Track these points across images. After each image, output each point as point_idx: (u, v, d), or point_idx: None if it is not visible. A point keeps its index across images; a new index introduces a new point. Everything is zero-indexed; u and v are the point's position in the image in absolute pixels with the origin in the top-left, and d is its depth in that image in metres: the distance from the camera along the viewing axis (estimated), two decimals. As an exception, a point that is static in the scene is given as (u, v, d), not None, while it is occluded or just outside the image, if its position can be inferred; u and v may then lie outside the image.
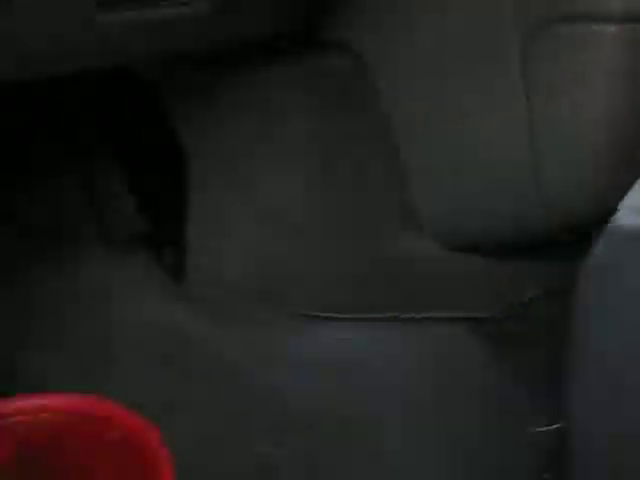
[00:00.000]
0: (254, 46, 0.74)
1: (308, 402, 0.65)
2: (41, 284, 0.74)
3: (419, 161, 0.78)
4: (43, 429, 0.38)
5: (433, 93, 0.75)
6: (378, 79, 0.75)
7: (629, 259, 0.45)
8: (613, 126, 0.71)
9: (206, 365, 0.71)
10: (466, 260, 0.78)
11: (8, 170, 0.73)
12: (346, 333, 0.70)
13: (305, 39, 0.74)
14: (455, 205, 0.78)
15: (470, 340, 0.72)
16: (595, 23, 0.68)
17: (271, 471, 0.59)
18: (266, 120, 0.76)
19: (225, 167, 0.78)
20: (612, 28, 0.68)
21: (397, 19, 0.74)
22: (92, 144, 0.81)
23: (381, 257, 0.75)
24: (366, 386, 0.66)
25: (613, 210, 0.47)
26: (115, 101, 0.83)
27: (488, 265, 0.79)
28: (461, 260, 0.78)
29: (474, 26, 0.72)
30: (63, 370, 0.68)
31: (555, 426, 0.63)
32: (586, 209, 0.72)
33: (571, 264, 0.49)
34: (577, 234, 0.65)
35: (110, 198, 0.81)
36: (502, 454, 0.65)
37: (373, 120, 0.76)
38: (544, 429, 0.64)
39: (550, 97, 0.71)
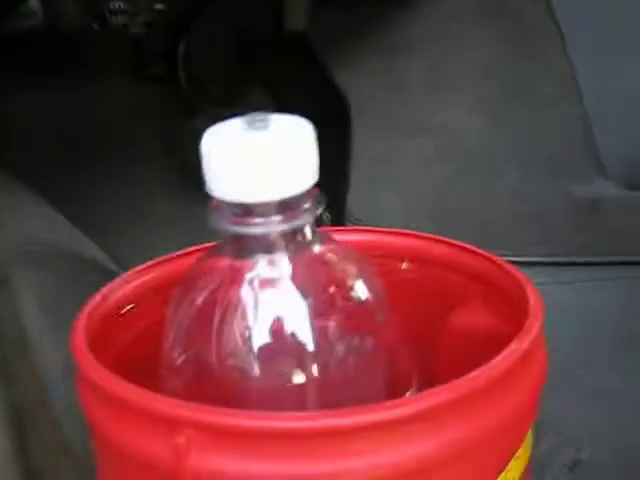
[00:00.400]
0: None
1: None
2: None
3: (599, 102, 0.72)
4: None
5: (612, 19, 0.70)
6: (555, 11, 0.71)
7: None
8: None
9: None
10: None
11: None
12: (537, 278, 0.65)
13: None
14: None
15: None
16: None
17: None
18: (438, 53, 0.72)
19: (392, 109, 0.75)
20: None
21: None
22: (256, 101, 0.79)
23: (571, 200, 0.70)
24: (573, 329, 0.61)
25: None
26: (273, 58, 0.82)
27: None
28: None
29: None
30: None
31: None
32: None
33: None
34: None
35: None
36: None
37: (551, 54, 0.71)
38: None
39: None
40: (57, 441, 0.41)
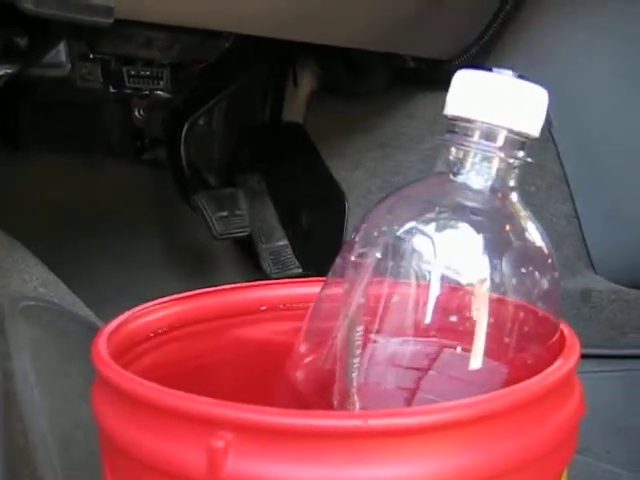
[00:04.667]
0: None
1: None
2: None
3: (587, 199, 0.75)
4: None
5: (600, 126, 0.74)
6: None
7: None
8: None
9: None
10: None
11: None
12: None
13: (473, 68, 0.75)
14: (630, 249, 0.75)
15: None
16: None
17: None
18: (431, 149, 0.75)
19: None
20: None
21: (563, 51, 0.75)
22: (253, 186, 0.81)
23: (562, 292, 0.70)
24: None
25: None
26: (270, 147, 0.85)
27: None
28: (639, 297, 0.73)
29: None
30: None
31: None
32: None
33: None
34: None
35: (266, 236, 0.79)
36: None
37: (544, 156, 0.74)
38: None
39: None
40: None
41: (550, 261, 0.30)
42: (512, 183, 0.30)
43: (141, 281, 0.73)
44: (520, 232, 0.30)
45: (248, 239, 0.79)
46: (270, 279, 0.79)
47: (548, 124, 0.75)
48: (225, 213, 0.72)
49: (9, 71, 0.39)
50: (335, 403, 0.28)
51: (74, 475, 0.40)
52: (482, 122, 0.28)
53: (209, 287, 0.83)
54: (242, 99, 0.82)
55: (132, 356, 0.30)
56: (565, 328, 0.29)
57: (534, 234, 0.30)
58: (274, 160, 0.83)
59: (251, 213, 0.79)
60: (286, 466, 0.21)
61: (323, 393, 0.29)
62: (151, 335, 0.31)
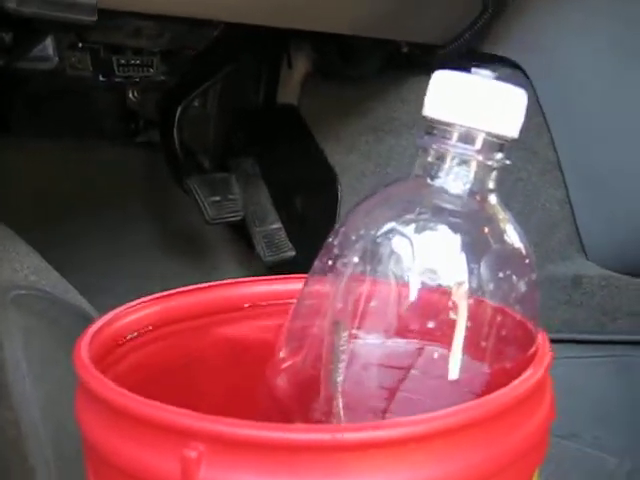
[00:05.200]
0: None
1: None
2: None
3: (580, 185, 0.75)
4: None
5: (593, 112, 0.73)
6: (538, 92, 0.74)
7: None
8: None
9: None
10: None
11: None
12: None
13: (467, 52, 0.74)
14: (621, 235, 0.75)
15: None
16: None
17: None
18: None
19: (381, 184, 0.76)
20: None
21: (557, 36, 0.74)
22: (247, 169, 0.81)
23: (554, 277, 0.71)
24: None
25: None
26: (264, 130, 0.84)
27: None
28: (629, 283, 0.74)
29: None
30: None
31: None
32: None
33: None
34: None
35: (260, 219, 0.80)
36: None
37: (538, 143, 0.74)
38: None
39: None
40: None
41: (528, 262, 0.30)
42: (491, 185, 0.29)
43: (134, 265, 0.73)
44: (499, 234, 0.30)
45: (242, 222, 0.80)
46: (264, 262, 0.79)
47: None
48: (218, 198, 0.72)
49: (-5, 65, 0.39)
50: (319, 407, 0.29)
51: (66, 466, 0.41)
52: (460, 125, 0.28)
53: (203, 271, 0.83)
54: (236, 81, 0.81)
55: (116, 356, 0.31)
56: (540, 334, 0.29)
57: (513, 236, 0.30)
58: (268, 143, 0.83)
59: (245, 196, 0.79)
60: (258, 478, 0.21)
61: (304, 397, 0.29)
62: (135, 334, 0.32)
